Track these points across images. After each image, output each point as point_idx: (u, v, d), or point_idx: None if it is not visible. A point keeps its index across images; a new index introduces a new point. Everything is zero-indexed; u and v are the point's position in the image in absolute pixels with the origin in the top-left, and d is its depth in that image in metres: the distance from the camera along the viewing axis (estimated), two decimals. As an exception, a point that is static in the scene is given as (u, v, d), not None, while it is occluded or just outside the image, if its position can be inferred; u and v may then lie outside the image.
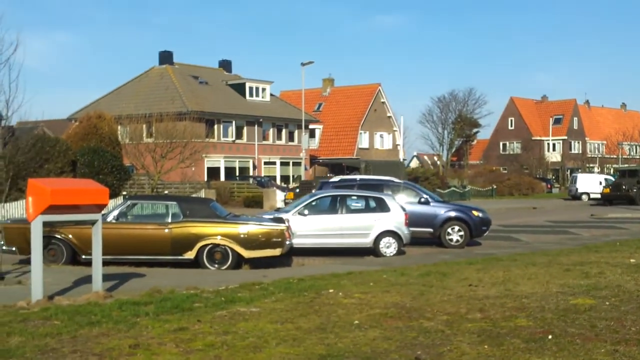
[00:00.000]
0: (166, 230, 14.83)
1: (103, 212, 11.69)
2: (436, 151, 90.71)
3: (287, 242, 15.36)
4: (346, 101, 67.98)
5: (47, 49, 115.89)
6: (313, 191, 27.49)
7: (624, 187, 45.90)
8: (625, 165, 67.10)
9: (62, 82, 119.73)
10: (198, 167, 45.73)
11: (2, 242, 13.67)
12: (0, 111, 14.35)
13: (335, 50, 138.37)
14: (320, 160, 39.75)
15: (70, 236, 14.73)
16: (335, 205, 18.34)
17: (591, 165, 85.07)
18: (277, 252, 15.16)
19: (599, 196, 48.97)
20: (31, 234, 10.30)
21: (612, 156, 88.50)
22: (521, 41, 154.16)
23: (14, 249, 14.79)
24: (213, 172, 49.83)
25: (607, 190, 47.67)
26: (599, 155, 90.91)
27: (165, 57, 55.04)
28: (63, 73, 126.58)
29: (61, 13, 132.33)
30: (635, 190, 45.23)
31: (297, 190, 36.29)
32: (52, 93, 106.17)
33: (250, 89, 55.98)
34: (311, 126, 61.27)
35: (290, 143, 57.12)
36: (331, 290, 11.06)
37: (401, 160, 46.11)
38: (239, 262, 14.93)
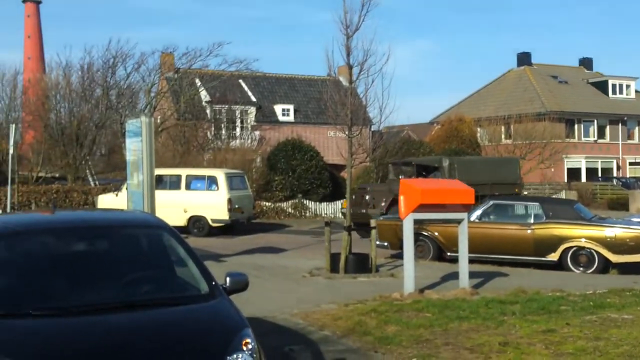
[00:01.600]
0: (528, 231, 14.76)
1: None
2: None
3: (661, 248, 14.29)
4: None
5: (411, 57, 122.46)
6: (366, 197, 21.98)
7: None
8: None
9: (424, 87, 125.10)
10: (557, 168, 44.62)
11: (377, 238, 14.77)
12: (372, 117, 15.57)
13: None
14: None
15: (436, 234, 15.41)
16: None
17: None
18: (648, 257, 14.19)
19: None
20: (403, 230, 11.08)
21: None
22: None
23: (385, 244, 15.92)
24: (573, 173, 48.14)
25: None
26: None
27: (523, 59, 54.59)
28: (424, 78, 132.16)
29: (423, 22, 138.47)
30: None
31: (353, 197, 22.13)
32: (416, 98, 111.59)
33: (613, 86, 53.00)
34: (685, 123, 55.91)
35: (658, 142, 52.83)
36: None
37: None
38: (605, 266, 14.26)
